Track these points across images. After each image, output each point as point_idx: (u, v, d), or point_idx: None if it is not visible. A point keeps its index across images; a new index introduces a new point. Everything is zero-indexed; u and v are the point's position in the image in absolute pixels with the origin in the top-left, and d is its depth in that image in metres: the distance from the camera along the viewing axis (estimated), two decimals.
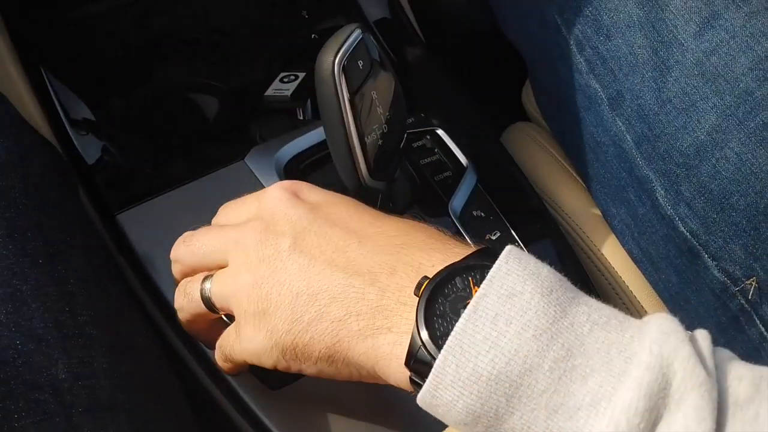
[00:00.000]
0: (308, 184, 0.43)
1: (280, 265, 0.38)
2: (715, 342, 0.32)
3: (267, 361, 0.40)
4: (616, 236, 0.62)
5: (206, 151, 0.65)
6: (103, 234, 0.57)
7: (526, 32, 0.67)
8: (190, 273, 0.44)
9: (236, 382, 0.48)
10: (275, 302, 0.38)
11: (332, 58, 0.46)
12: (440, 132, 0.65)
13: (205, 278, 0.42)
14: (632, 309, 0.61)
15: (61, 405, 0.36)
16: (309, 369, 0.39)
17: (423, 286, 0.34)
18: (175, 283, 0.46)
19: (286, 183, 0.42)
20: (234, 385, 0.48)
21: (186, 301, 0.43)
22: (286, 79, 0.70)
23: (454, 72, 0.72)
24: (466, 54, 0.88)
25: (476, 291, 0.33)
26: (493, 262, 0.33)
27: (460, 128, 0.66)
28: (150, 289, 0.55)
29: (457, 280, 0.34)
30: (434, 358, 0.32)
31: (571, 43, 0.60)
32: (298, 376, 0.49)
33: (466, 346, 0.31)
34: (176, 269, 0.45)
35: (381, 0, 0.74)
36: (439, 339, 0.33)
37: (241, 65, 0.72)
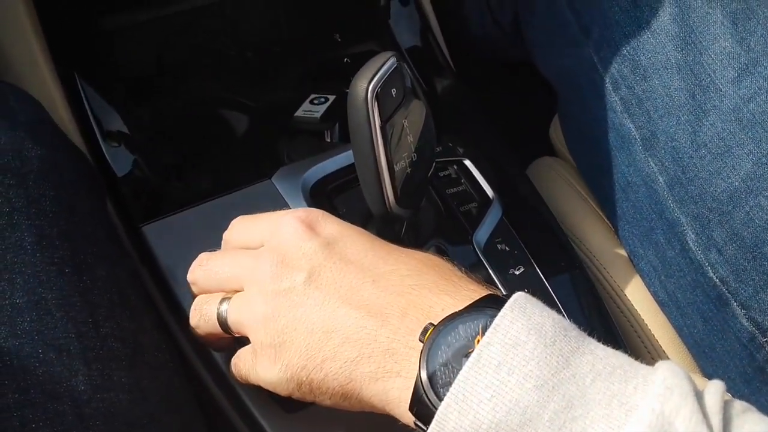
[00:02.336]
0: (324, 213, 0.44)
1: (295, 300, 0.39)
2: (739, 392, 0.32)
3: (282, 392, 0.40)
4: (642, 278, 0.61)
5: (234, 168, 0.65)
6: (128, 245, 0.58)
7: (560, 67, 0.67)
8: (206, 293, 0.45)
9: (252, 402, 0.48)
10: (290, 337, 0.39)
11: (366, 84, 0.46)
12: (467, 162, 0.64)
13: (222, 300, 0.43)
14: (654, 353, 0.60)
15: (78, 417, 0.36)
16: (324, 402, 0.40)
17: (428, 333, 0.35)
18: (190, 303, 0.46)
19: (302, 213, 0.43)
20: (250, 406, 0.47)
21: (202, 321, 0.44)
22: (316, 101, 0.70)
23: (483, 102, 0.72)
24: (496, 85, 0.88)
25: (479, 339, 0.33)
26: (499, 310, 0.34)
27: (487, 159, 0.65)
28: (170, 302, 0.55)
29: (461, 328, 0.35)
30: (435, 407, 0.33)
31: (607, 81, 0.60)
32: None
33: (468, 394, 0.32)
34: (192, 290, 0.46)
35: (414, 27, 0.74)
36: (441, 388, 0.33)
37: (272, 84, 0.73)
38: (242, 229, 0.46)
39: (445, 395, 0.33)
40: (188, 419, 0.44)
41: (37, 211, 0.42)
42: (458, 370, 0.33)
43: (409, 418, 0.36)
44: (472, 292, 0.38)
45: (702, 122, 0.54)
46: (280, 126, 0.69)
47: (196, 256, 0.48)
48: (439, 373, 0.34)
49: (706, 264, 0.54)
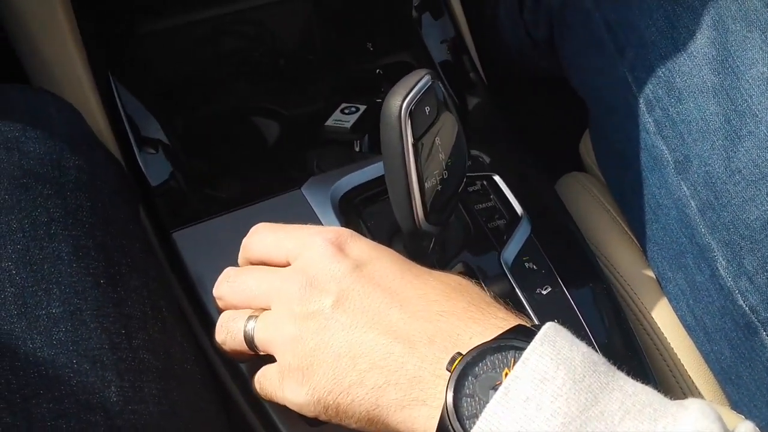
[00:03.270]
0: (353, 233, 0.44)
1: (323, 323, 0.39)
2: (765, 421, 0.32)
3: (309, 414, 0.41)
4: (670, 301, 0.61)
5: (264, 177, 0.65)
6: (158, 251, 0.58)
7: (594, 85, 0.66)
8: (232, 309, 0.45)
9: (278, 417, 0.48)
10: (318, 361, 0.39)
11: (400, 102, 0.46)
12: (496, 178, 0.64)
13: (249, 318, 0.43)
14: (680, 378, 0.60)
15: (110, 429, 0.37)
16: (350, 425, 0.40)
17: (455, 363, 0.35)
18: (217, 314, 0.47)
19: (331, 234, 0.43)
20: (276, 420, 0.48)
21: (229, 338, 0.44)
22: (346, 111, 0.70)
23: (513, 116, 0.72)
24: (528, 99, 0.88)
25: (507, 373, 0.33)
26: (527, 343, 0.33)
27: (516, 174, 0.65)
28: (198, 309, 0.55)
29: (489, 359, 0.35)
30: None
31: (641, 102, 0.60)
32: None
33: (495, 428, 0.32)
34: (218, 305, 0.46)
35: (446, 40, 0.74)
36: (467, 419, 0.33)
37: (304, 93, 0.73)
38: (266, 240, 0.46)
39: (471, 427, 0.32)
40: None
41: (75, 222, 0.42)
42: (485, 403, 0.32)
43: None
44: (501, 320, 0.38)
45: (737, 148, 0.54)
46: (310, 135, 0.69)
47: (224, 264, 0.48)
48: (465, 404, 0.34)
49: (736, 291, 0.54)
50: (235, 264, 0.48)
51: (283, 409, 0.48)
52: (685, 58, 0.58)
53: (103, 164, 0.48)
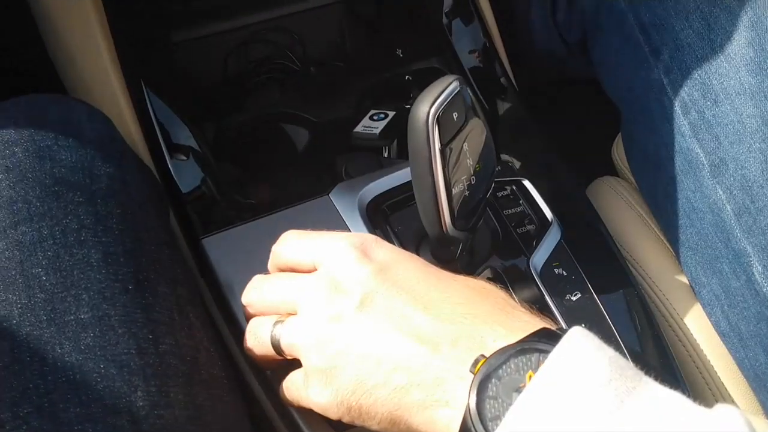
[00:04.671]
0: (377, 239, 0.44)
1: (348, 326, 0.40)
2: None
3: (332, 416, 0.41)
4: (704, 307, 0.59)
5: (293, 183, 0.66)
6: (188, 257, 0.59)
7: (627, 88, 0.65)
8: (260, 315, 0.46)
9: (304, 423, 0.48)
10: (342, 362, 0.39)
11: (428, 108, 0.46)
12: (526, 183, 0.64)
13: (276, 323, 0.44)
14: (712, 385, 0.58)
15: None
16: (372, 427, 0.40)
17: (479, 365, 0.35)
18: (246, 321, 0.48)
19: (356, 239, 0.43)
20: (302, 426, 0.48)
21: (257, 343, 0.45)
22: (375, 117, 0.70)
23: (544, 121, 0.71)
24: (560, 103, 0.87)
25: (531, 376, 0.33)
26: (552, 346, 0.33)
27: (547, 179, 0.64)
28: (226, 313, 0.56)
29: (513, 362, 0.34)
30: None
31: (676, 104, 0.59)
32: None
33: (518, 431, 0.31)
34: (247, 312, 0.47)
35: (476, 46, 0.73)
36: (489, 422, 0.33)
37: (333, 99, 0.73)
38: (294, 247, 0.46)
39: (493, 429, 0.32)
40: None
41: (105, 229, 0.43)
42: (508, 405, 0.32)
43: None
44: (525, 323, 0.38)
45: None
46: (339, 141, 0.69)
47: (253, 270, 0.48)
48: (488, 406, 0.33)
49: None
50: (265, 270, 0.49)
51: (309, 414, 0.48)
52: (722, 60, 0.57)
53: (134, 172, 0.49)
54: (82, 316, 0.39)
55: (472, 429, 0.33)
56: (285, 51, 0.76)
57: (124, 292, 0.41)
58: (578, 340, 0.33)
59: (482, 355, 0.35)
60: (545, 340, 0.35)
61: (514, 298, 0.41)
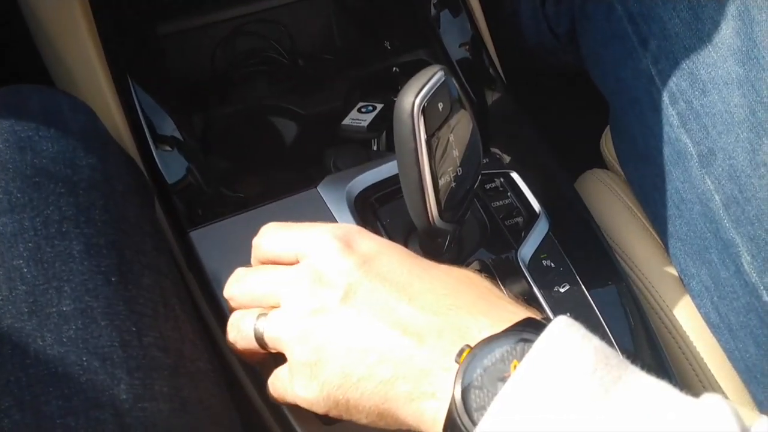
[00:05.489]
0: (360, 229, 0.44)
1: (331, 318, 0.39)
2: None
3: (319, 410, 0.40)
4: (693, 298, 0.59)
5: (281, 176, 0.65)
6: (175, 249, 0.58)
7: (616, 79, 0.65)
8: (243, 308, 0.45)
9: (293, 415, 0.48)
10: (326, 355, 0.39)
11: (413, 98, 0.45)
12: (514, 175, 0.64)
13: (259, 316, 0.43)
14: (702, 377, 0.58)
15: (119, 426, 0.37)
16: (360, 420, 0.39)
17: (464, 355, 0.34)
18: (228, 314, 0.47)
19: (338, 230, 0.42)
20: (290, 418, 0.48)
21: (239, 337, 0.44)
22: (363, 110, 0.70)
23: (532, 113, 0.71)
24: (548, 96, 0.87)
25: (516, 365, 0.32)
26: (537, 336, 0.33)
27: (535, 171, 0.64)
28: (214, 307, 0.55)
29: (497, 351, 0.34)
30: (469, 431, 0.32)
31: (664, 94, 0.58)
32: None
33: (503, 421, 0.31)
34: (229, 305, 0.47)
35: (464, 38, 0.73)
36: (474, 411, 0.33)
37: (321, 92, 0.73)
38: (275, 239, 0.45)
39: (479, 420, 0.32)
40: (228, 430, 0.44)
41: (87, 220, 0.43)
42: (493, 395, 0.32)
43: None
44: (510, 314, 0.37)
45: (762, 140, 0.52)
46: (327, 134, 0.69)
47: (241, 263, 0.48)
48: (473, 396, 0.33)
49: (761, 287, 0.52)
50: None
51: (298, 407, 0.48)
52: (709, 50, 0.57)
53: (117, 162, 0.49)
54: (64, 309, 0.39)
55: (458, 420, 0.33)
56: (273, 43, 0.75)
57: (107, 284, 0.41)
58: (563, 330, 0.33)
59: (467, 345, 0.35)
60: (530, 329, 0.34)
61: (500, 288, 0.41)
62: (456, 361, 0.35)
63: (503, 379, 0.32)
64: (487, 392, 0.33)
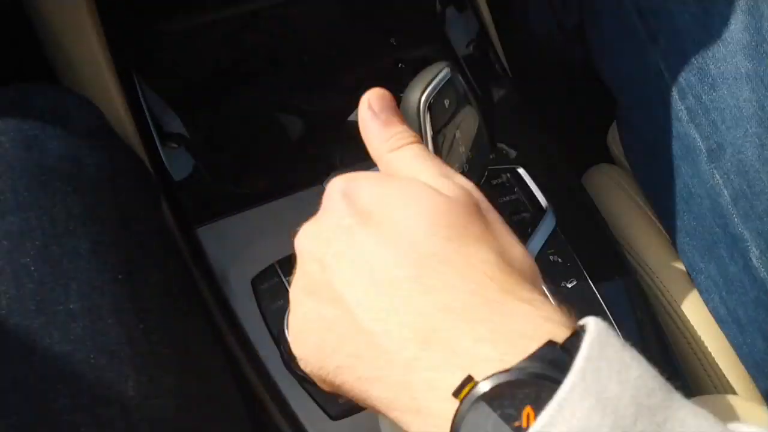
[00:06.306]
0: (369, 175, 0.36)
1: (314, 289, 0.33)
2: None
3: (313, 380, 0.35)
4: (701, 293, 0.59)
5: (287, 172, 0.65)
6: (182, 246, 0.59)
7: (624, 73, 0.65)
8: None
9: (299, 410, 0.48)
10: (311, 328, 0.33)
11: (419, 95, 0.45)
12: (521, 170, 0.63)
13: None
14: (711, 373, 0.58)
15: (127, 423, 0.37)
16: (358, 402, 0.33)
17: (466, 390, 0.27)
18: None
19: (342, 183, 0.35)
20: (297, 413, 0.48)
21: None
22: None
23: (539, 109, 0.71)
24: (554, 91, 0.86)
25: (530, 413, 0.25)
26: (558, 374, 0.26)
27: (541, 167, 0.64)
28: (220, 303, 0.55)
29: (507, 391, 0.26)
30: None
31: (673, 89, 0.58)
32: (360, 408, 0.49)
33: None
34: None
35: (470, 34, 0.73)
36: None
37: (327, 88, 0.73)
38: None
39: None
40: (235, 427, 0.45)
41: (94, 218, 0.43)
42: None
43: None
44: (520, 321, 0.29)
45: None
46: (333, 130, 0.69)
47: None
48: None
49: None
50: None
51: (305, 404, 0.48)
52: (718, 45, 0.56)
53: (123, 160, 0.49)
54: (72, 306, 0.39)
55: None
56: (279, 40, 0.75)
57: (114, 282, 0.41)
58: (596, 367, 0.25)
59: (470, 378, 0.27)
60: (550, 361, 0.27)
61: (508, 271, 0.31)
62: (455, 395, 0.27)
63: (515, 429, 0.26)
64: None
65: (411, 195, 0.33)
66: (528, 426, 0.25)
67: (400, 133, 0.40)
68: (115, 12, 0.63)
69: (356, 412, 0.49)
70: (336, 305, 0.32)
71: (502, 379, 0.27)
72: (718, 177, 0.56)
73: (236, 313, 0.54)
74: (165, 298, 0.44)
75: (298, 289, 0.34)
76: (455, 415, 0.27)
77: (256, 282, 0.55)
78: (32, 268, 0.40)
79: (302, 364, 0.35)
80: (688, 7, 0.59)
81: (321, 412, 0.49)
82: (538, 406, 0.25)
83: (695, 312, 0.60)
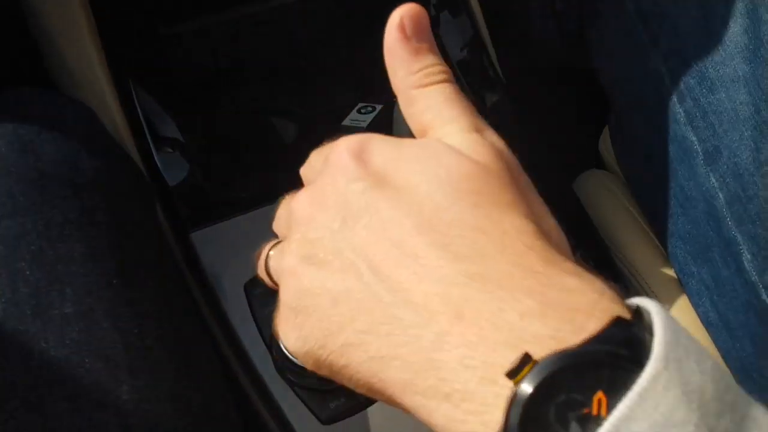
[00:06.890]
0: (380, 137, 0.32)
1: (322, 257, 0.29)
2: None
3: (307, 365, 0.31)
4: (691, 297, 0.60)
5: (282, 176, 0.66)
6: (176, 251, 0.59)
7: (624, 76, 0.65)
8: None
9: (290, 413, 0.48)
10: (312, 304, 0.29)
11: None
12: None
13: (274, 245, 0.35)
14: None
15: (122, 427, 0.37)
16: (352, 387, 0.30)
17: (523, 372, 0.23)
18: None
19: (353, 141, 0.31)
20: (288, 418, 0.48)
21: (260, 271, 0.36)
22: (363, 110, 0.70)
23: (531, 113, 0.71)
24: (546, 96, 0.87)
25: (601, 398, 0.22)
26: (632, 355, 0.22)
27: (532, 172, 0.64)
28: (214, 308, 0.56)
29: (571, 374, 0.23)
30: None
31: (673, 92, 0.59)
32: (351, 412, 0.49)
33: None
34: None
35: (464, 38, 0.73)
36: None
37: (321, 93, 0.73)
38: (312, 160, 0.38)
39: None
40: (229, 430, 0.45)
41: (89, 223, 0.43)
42: None
43: None
44: (569, 294, 0.25)
45: (765, 138, 0.53)
46: (327, 134, 0.69)
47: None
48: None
49: (761, 286, 0.53)
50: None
51: (297, 408, 0.48)
52: (718, 48, 0.57)
53: (119, 165, 0.49)
54: (67, 311, 0.39)
55: None
56: (273, 44, 0.75)
57: (109, 286, 0.41)
58: (677, 353, 0.22)
59: (528, 357, 0.23)
60: (622, 341, 0.23)
61: (537, 247, 0.27)
62: (509, 377, 0.23)
63: (581, 419, 0.22)
64: None
65: (431, 158, 0.29)
66: (599, 414, 0.22)
67: (432, 66, 0.33)
68: (111, 16, 0.63)
69: (347, 416, 0.49)
70: (346, 275, 0.28)
71: (568, 359, 0.23)
72: (714, 180, 0.56)
73: (228, 318, 0.54)
74: (160, 302, 0.44)
75: (295, 259, 0.30)
76: (511, 401, 0.23)
77: (248, 286, 0.55)
78: (27, 272, 0.40)
79: (297, 345, 0.30)
80: (689, 10, 0.59)
81: (312, 417, 0.49)
82: (613, 393, 0.22)
83: (684, 317, 0.60)
